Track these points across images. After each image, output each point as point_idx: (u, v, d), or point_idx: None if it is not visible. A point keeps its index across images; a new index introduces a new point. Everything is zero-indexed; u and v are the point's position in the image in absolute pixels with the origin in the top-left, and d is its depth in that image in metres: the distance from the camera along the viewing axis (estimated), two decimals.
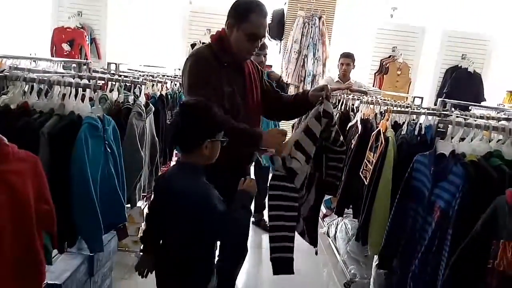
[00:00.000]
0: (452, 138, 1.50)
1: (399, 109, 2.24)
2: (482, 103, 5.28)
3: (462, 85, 5.35)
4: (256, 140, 1.63)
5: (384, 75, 5.47)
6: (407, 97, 3.72)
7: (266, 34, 5.34)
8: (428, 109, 2.38)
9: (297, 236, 1.88)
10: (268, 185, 1.67)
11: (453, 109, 2.59)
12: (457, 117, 1.57)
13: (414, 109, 2.29)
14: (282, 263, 1.75)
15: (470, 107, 3.84)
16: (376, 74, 5.60)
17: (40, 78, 1.48)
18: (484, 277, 1.05)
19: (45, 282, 1.22)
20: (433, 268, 1.40)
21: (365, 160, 2.25)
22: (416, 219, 1.62)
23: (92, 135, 1.41)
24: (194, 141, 1.34)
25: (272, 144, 1.64)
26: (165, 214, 1.37)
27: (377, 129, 2.16)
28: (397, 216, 1.71)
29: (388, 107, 2.20)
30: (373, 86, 5.49)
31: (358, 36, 5.55)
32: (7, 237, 0.91)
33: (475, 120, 1.53)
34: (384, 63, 5.51)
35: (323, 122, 1.65)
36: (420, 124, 2.03)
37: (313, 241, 1.90)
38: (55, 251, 1.64)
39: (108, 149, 1.52)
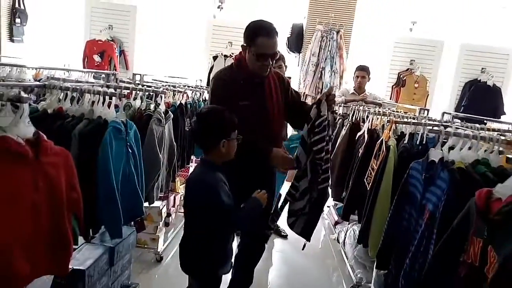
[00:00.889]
0: (442, 146, 1.60)
1: (402, 120, 2.33)
2: (502, 117, 5.28)
3: (480, 98, 5.34)
4: (264, 155, 1.88)
5: (401, 88, 5.52)
6: (421, 110, 3.78)
7: (285, 47, 5.53)
8: (429, 119, 2.47)
9: (310, 245, 2.11)
10: None
11: (457, 120, 2.67)
12: (446, 128, 1.68)
13: (418, 121, 2.39)
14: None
15: (485, 121, 3.88)
16: (394, 86, 5.66)
17: (73, 87, 1.70)
18: (457, 268, 1.16)
19: (71, 267, 1.41)
20: (420, 265, 1.50)
21: (370, 167, 2.37)
22: (410, 222, 1.73)
23: (116, 137, 1.62)
24: (211, 142, 1.58)
25: (277, 163, 1.92)
26: (186, 199, 1.65)
27: (380, 139, 2.28)
28: (393, 218, 1.82)
29: (391, 118, 2.31)
30: (390, 98, 5.56)
31: (376, 49, 5.65)
32: (44, 215, 1.11)
33: (464, 131, 1.63)
34: (401, 76, 5.57)
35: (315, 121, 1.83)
36: (422, 134, 2.14)
37: (304, 234, 2.03)
38: (81, 240, 1.85)
39: (130, 150, 1.72)
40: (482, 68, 5.53)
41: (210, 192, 1.49)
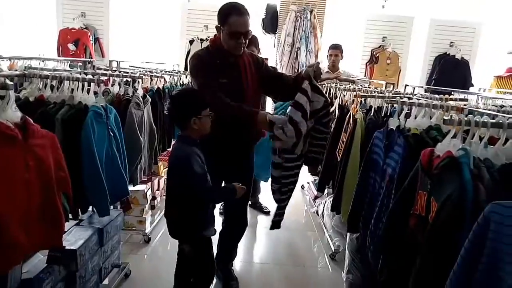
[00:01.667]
0: (399, 116, 1.76)
1: (366, 94, 2.48)
2: (470, 89, 5.53)
3: (450, 72, 5.57)
4: (249, 117, 1.96)
5: (375, 65, 5.70)
6: (394, 85, 3.96)
7: (261, 29, 5.58)
8: (396, 93, 2.63)
9: (291, 217, 2.33)
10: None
11: (420, 93, 2.84)
12: (402, 98, 1.83)
13: (381, 94, 2.55)
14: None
15: (452, 93, 4.08)
16: (367, 63, 5.83)
17: (53, 75, 1.78)
18: (408, 221, 1.32)
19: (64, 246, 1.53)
20: (383, 223, 1.67)
21: (340, 140, 2.53)
22: (374, 186, 1.89)
23: (97, 121, 1.72)
24: (183, 120, 1.72)
25: (261, 124, 1.97)
26: (167, 170, 1.86)
27: (349, 113, 2.44)
28: (360, 184, 1.98)
29: (357, 92, 2.46)
30: (364, 75, 5.73)
31: (349, 28, 5.78)
32: (36, 192, 1.22)
33: (418, 100, 1.79)
34: (374, 53, 5.74)
35: (311, 95, 1.90)
36: (387, 107, 2.30)
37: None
38: (71, 223, 1.96)
39: (111, 133, 1.82)
40: (451, 42, 5.74)
41: (184, 163, 1.66)
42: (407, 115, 1.89)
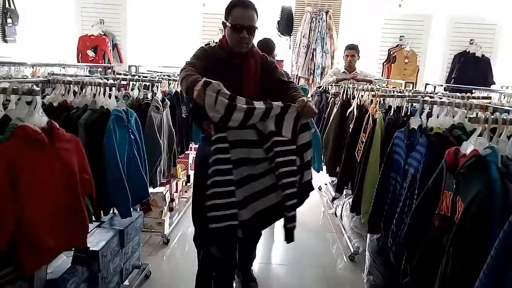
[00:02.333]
0: (420, 115, 1.73)
1: (385, 93, 2.46)
2: (492, 87, 5.40)
3: (470, 69, 5.46)
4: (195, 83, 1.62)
5: (392, 64, 5.63)
6: (407, 83, 3.90)
7: (276, 31, 5.57)
8: (415, 92, 2.59)
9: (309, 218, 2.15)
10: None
11: (442, 91, 2.79)
12: (424, 97, 1.80)
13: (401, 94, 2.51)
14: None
15: (473, 91, 3.99)
16: (384, 63, 5.76)
17: (75, 80, 1.82)
18: (432, 221, 1.30)
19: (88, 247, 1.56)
20: (405, 224, 1.64)
21: (359, 141, 2.50)
22: (395, 186, 1.86)
23: (118, 125, 1.75)
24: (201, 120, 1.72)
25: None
26: None
27: (368, 113, 2.41)
28: (381, 185, 1.96)
29: (377, 92, 2.43)
30: (382, 75, 5.67)
31: (366, 28, 5.72)
32: (62, 193, 1.25)
33: (440, 99, 1.75)
34: (391, 52, 5.67)
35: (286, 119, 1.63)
36: (407, 106, 2.26)
37: None
38: (93, 225, 1.99)
39: (132, 136, 1.85)
40: (471, 40, 5.62)
41: (201, 162, 1.65)
42: (429, 114, 1.86)
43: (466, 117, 1.71)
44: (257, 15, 1.91)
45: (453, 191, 1.19)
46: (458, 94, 2.40)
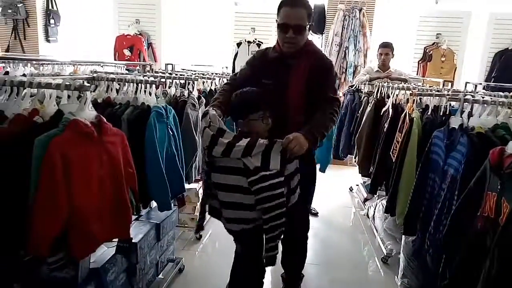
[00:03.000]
0: (461, 114, 1.69)
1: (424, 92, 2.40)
2: None
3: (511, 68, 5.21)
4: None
5: (428, 63, 5.46)
6: (445, 82, 3.78)
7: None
8: (454, 91, 2.52)
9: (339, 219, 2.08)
10: None
11: (482, 90, 2.69)
12: (465, 95, 1.75)
13: (440, 93, 2.44)
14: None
15: None
16: (420, 62, 5.60)
17: (118, 77, 1.90)
18: (474, 223, 1.26)
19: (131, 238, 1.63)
20: (444, 226, 1.61)
21: (395, 140, 2.46)
22: (433, 187, 1.83)
23: (158, 120, 1.81)
24: (234, 120, 1.73)
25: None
26: None
27: (404, 112, 2.36)
28: (418, 185, 1.92)
29: (414, 91, 2.38)
30: (417, 74, 5.51)
31: (401, 25, 5.58)
32: (108, 185, 1.32)
33: (483, 98, 1.70)
34: (427, 50, 5.50)
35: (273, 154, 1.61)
36: (445, 106, 2.20)
37: None
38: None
39: (171, 132, 1.91)
40: None
41: None
42: (469, 114, 1.80)
43: (510, 117, 1.66)
44: (308, 13, 1.84)
45: (498, 192, 1.16)
46: (500, 93, 2.31)
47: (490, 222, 1.19)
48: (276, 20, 1.88)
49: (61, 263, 1.36)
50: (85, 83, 1.28)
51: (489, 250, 1.14)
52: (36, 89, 1.38)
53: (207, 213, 1.87)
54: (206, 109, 1.72)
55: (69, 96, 1.42)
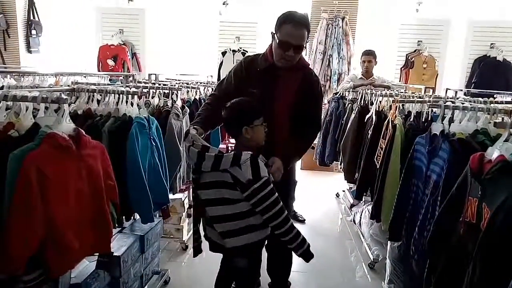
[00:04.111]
0: (442, 120, 1.71)
1: (405, 99, 2.43)
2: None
3: (491, 74, 5.34)
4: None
5: (410, 69, 5.57)
6: (426, 89, 3.85)
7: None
8: (435, 97, 2.56)
9: (327, 225, 2.11)
10: None
11: (462, 96, 2.74)
12: (445, 102, 1.77)
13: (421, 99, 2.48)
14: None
15: (495, 96, 3.91)
16: (402, 68, 5.71)
17: (99, 89, 1.87)
18: (457, 228, 1.27)
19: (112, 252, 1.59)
20: (428, 232, 1.61)
21: (379, 147, 2.48)
22: (417, 193, 1.84)
23: (140, 131, 1.78)
24: (235, 128, 1.70)
25: None
26: None
27: (387, 119, 2.39)
28: (402, 191, 1.93)
29: (395, 97, 2.41)
30: (400, 80, 5.60)
31: (383, 33, 5.68)
32: (87, 199, 1.28)
33: (462, 104, 1.73)
34: (409, 58, 5.61)
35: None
36: (427, 112, 2.23)
37: None
38: (114, 231, 2.02)
39: (153, 143, 1.88)
40: (491, 44, 5.51)
41: None
42: (450, 120, 1.83)
43: (489, 122, 1.69)
44: (308, 33, 1.84)
45: (478, 197, 1.17)
46: (480, 99, 2.35)
47: (472, 228, 1.20)
48: (274, 34, 1.86)
49: (39, 280, 1.32)
50: (63, 95, 1.26)
51: (471, 255, 1.15)
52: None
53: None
54: (186, 129, 1.74)
55: (46, 108, 1.39)
